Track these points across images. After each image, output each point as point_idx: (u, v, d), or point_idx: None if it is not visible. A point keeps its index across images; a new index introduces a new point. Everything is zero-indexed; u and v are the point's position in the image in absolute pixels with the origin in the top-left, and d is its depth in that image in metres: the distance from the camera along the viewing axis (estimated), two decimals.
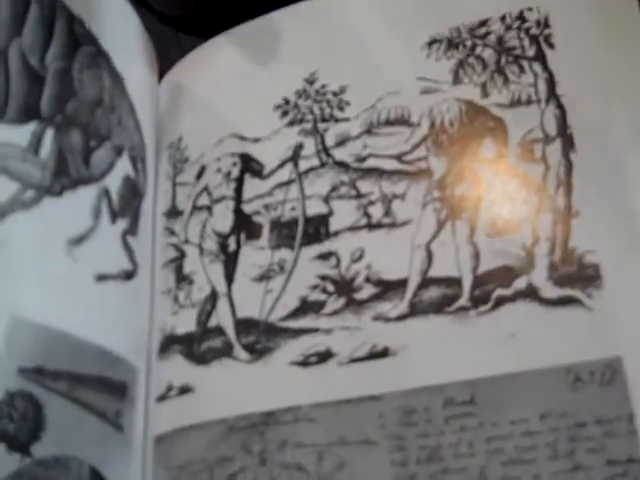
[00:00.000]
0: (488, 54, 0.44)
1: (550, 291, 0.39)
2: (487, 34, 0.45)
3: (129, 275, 0.45)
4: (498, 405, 0.38)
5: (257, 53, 0.50)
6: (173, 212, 0.50)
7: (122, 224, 0.46)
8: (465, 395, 0.38)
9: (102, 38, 0.48)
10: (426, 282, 0.41)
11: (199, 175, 0.50)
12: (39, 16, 0.44)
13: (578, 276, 0.39)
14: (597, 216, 0.39)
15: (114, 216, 0.45)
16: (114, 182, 0.46)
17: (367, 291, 0.42)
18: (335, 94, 0.47)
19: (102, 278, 0.43)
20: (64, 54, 0.45)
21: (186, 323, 0.46)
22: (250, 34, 0.51)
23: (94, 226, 0.44)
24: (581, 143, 0.41)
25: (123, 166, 0.47)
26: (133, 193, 0.47)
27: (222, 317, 0.45)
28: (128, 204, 0.47)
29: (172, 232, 0.49)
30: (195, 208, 0.49)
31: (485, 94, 0.44)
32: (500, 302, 0.39)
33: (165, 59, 0.54)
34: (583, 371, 0.37)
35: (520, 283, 0.39)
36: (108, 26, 0.49)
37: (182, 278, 0.48)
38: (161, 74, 0.54)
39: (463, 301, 0.40)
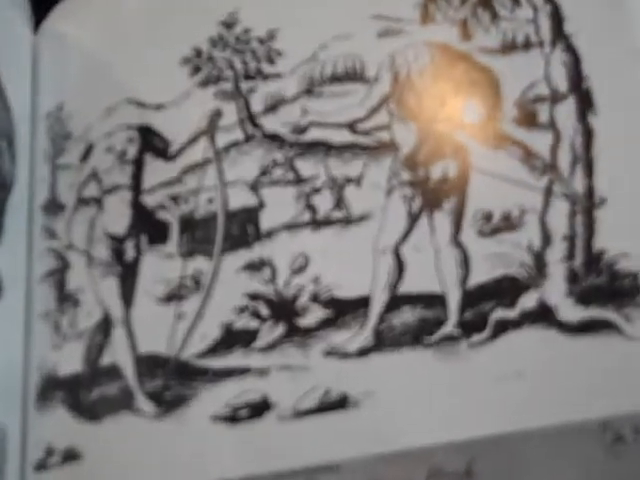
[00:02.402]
0: None
1: (571, 312, 0.29)
2: None
3: None
4: (504, 478, 0.28)
5: None
6: (53, 206, 0.38)
7: None
8: (459, 463, 0.29)
9: None
10: (396, 301, 0.31)
11: (85, 156, 0.38)
12: None
13: (610, 290, 0.29)
14: (631, 204, 0.29)
15: None
16: None
17: (315, 315, 0.32)
18: (262, 41, 0.36)
19: None
20: None
21: (71, 360, 0.35)
22: None
23: None
24: (603, 101, 0.31)
25: None
26: None
27: (118, 353, 0.34)
28: None
29: (52, 233, 0.37)
30: (81, 201, 0.37)
31: (466, 35, 0.33)
32: (501, 328, 0.29)
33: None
34: (624, 427, 0.27)
35: (528, 301, 0.30)
36: None
37: (64, 297, 0.36)
38: (38, 21, 0.42)
39: (449, 327, 0.30)
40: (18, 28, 0.41)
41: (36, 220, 0.38)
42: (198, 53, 0.36)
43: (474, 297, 0.30)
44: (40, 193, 0.39)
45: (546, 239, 0.30)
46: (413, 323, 0.30)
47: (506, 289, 0.30)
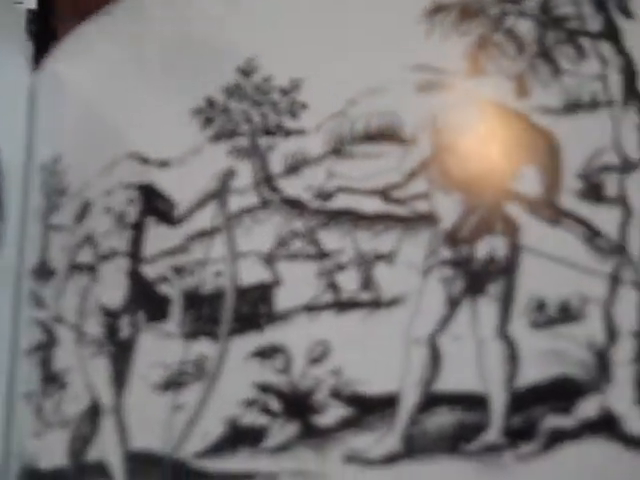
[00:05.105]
0: (526, 28, 0.31)
1: None
2: None
3: None
4: None
5: (165, 31, 0.36)
6: (43, 270, 0.36)
7: None
8: None
9: None
10: (431, 400, 0.28)
11: (81, 216, 0.36)
12: None
13: None
14: None
15: None
16: None
17: (334, 413, 0.29)
18: (284, 92, 0.33)
19: None
20: None
21: (54, 452, 0.33)
22: (155, 3, 0.37)
23: None
24: None
25: None
26: None
27: (106, 447, 0.32)
28: None
29: (40, 302, 0.35)
30: (73, 267, 0.35)
31: (523, 92, 0.30)
32: (554, 439, 0.27)
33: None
34: None
35: (588, 408, 0.27)
36: None
37: (50, 377, 0.34)
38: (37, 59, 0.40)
39: (493, 435, 0.27)
40: (14, 70, 0.39)
41: (24, 286, 0.37)
42: (211, 103, 0.34)
43: (523, 400, 0.27)
44: (30, 255, 0.37)
45: (611, 335, 0.27)
46: (450, 428, 0.28)
47: (561, 392, 0.27)
